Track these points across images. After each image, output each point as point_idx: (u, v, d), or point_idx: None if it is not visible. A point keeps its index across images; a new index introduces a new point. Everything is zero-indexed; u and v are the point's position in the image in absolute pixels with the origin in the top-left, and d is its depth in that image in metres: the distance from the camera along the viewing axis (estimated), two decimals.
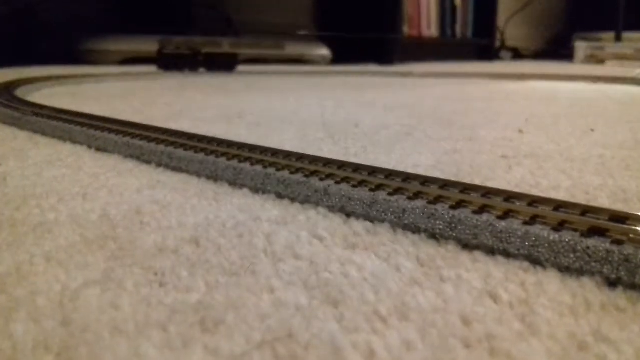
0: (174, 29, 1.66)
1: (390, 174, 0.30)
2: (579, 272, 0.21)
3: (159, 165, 0.38)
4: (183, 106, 0.75)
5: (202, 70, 1.35)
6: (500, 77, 1.35)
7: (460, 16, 2.50)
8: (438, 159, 0.42)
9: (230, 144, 0.38)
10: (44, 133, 0.50)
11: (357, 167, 0.31)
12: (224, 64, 1.39)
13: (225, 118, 0.64)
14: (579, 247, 0.21)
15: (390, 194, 0.27)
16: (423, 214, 0.25)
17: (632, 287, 0.20)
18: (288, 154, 0.35)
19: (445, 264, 0.22)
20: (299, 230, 0.26)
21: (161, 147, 0.39)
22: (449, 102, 0.82)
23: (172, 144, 0.39)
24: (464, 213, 0.24)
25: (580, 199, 0.31)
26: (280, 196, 0.31)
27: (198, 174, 0.36)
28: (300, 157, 0.34)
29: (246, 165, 0.33)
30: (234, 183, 0.33)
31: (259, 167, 0.32)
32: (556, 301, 0.19)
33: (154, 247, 0.24)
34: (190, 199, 0.31)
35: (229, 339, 0.17)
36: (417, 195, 0.27)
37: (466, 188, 0.27)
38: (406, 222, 0.26)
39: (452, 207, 0.25)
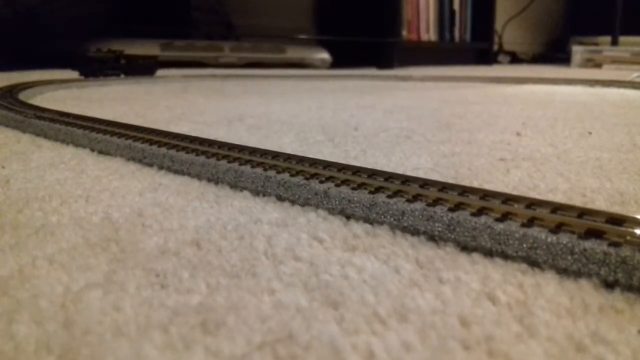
0: (175, 33, 1.67)
1: (389, 176, 0.30)
2: (577, 274, 0.21)
3: (160, 168, 0.39)
4: (184, 109, 0.75)
5: (122, 75, 1.24)
6: (498, 81, 1.36)
7: (458, 20, 2.51)
8: (437, 161, 0.42)
9: (230, 146, 0.38)
10: (46, 136, 0.50)
11: (356, 170, 0.31)
12: (144, 67, 1.28)
13: (226, 121, 0.64)
14: (577, 249, 0.21)
15: (389, 197, 0.27)
16: (422, 216, 0.25)
17: (629, 288, 0.20)
18: (288, 157, 0.35)
19: (444, 266, 0.22)
20: (299, 232, 0.26)
21: (163, 150, 0.39)
22: (448, 106, 0.82)
23: (174, 146, 0.39)
24: (462, 215, 0.24)
25: (578, 201, 0.32)
26: (280, 198, 0.31)
27: (199, 177, 0.36)
28: (301, 159, 0.34)
29: (247, 168, 0.33)
30: (234, 186, 0.34)
31: (259, 170, 0.33)
32: (554, 303, 0.19)
33: (155, 249, 0.24)
34: (192, 201, 0.31)
35: (230, 341, 0.17)
36: (416, 198, 0.27)
37: (465, 190, 0.27)
38: (405, 224, 0.26)
39: (451, 210, 0.25)
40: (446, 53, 2.45)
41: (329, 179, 0.30)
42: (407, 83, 1.37)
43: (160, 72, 1.41)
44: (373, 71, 1.91)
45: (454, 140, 0.52)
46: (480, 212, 0.25)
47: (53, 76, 1.11)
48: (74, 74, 1.18)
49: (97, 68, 1.17)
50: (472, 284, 0.21)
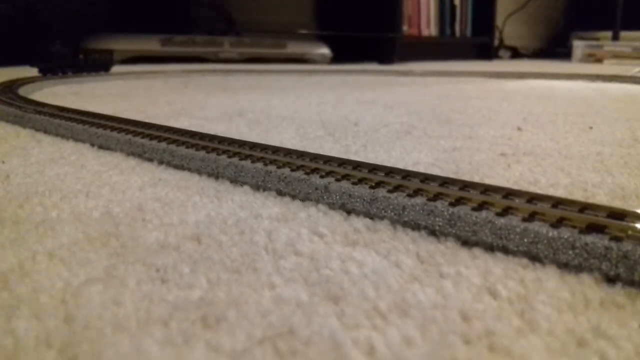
0: (175, 28, 1.66)
1: (390, 171, 0.30)
2: (578, 269, 0.21)
3: (160, 162, 0.38)
4: (184, 104, 0.75)
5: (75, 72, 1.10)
6: (499, 76, 1.35)
7: (459, 15, 2.50)
8: (437, 156, 0.42)
9: (231, 141, 0.38)
10: (46, 131, 0.50)
11: (357, 165, 0.31)
12: (99, 63, 1.15)
13: (226, 116, 0.64)
14: (578, 244, 0.21)
15: (390, 191, 0.27)
16: (423, 210, 0.25)
17: (630, 283, 0.20)
18: (288, 152, 0.35)
19: (445, 261, 0.22)
20: (299, 227, 0.26)
21: (163, 144, 0.39)
22: (448, 101, 0.82)
23: (174, 141, 0.39)
24: (463, 210, 0.24)
25: (579, 196, 0.32)
26: (280, 193, 0.31)
27: (199, 172, 0.36)
28: (301, 154, 0.34)
29: (247, 163, 0.33)
30: (235, 180, 0.34)
31: (259, 165, 0.33)
32: (555, 297, 0.19)
33: (155, 244, 0.24)
34: (192, 196, 0.31)
35: (231, 335, 0.17)
36: (416, 193, 0.27)
37: (465, 185, 0.27)
38: (406, 219, 0.26)
39: (452, 204, 0.25)
40: (447, 48, 2.44)
41: (330, 173, 0.30)
42: (408, 78, 1.37)
43: (160, 67, 1.40)
44: (374, 66, 1.90)
45: (455, 135, 0.52)
46: (481, 206, 0.25)
47: (12, 74, 1.07)
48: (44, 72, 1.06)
49: (56, 65, 1.05)
50: (473, 279, 0.21)
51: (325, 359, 0.16)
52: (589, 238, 0.21)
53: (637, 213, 0.22)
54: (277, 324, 0.17)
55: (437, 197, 0.26)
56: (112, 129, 0.44)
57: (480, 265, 0.22)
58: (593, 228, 0.22)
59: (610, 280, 0.20)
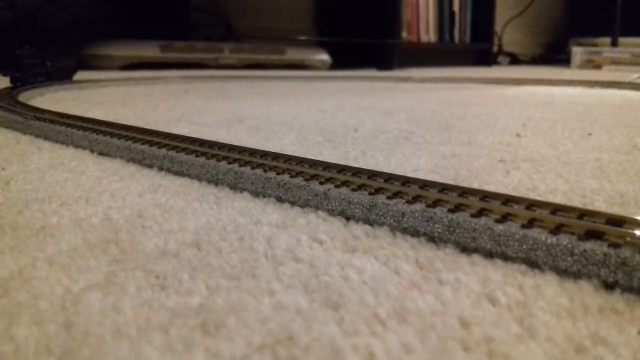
0: (175, 35, 1.67)
1: (389, 177, 0.30)
2: (577, 275, 0.21)
3: (160, 169, 0.39)
4: (184, 111, 0.75)
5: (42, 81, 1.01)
6: (498, 82, 1.36)
7: (458, 21, 2.51)
8: (436, 163, 0.42)
9: (230, 148, 0.38)
10: (46, 137, 0.50)
11: (356, 171, 0.31)
12: (62, 71, 1.09)
13: (226, 122, 0.64)
14: (577, 251, 0.21)
15: (389, 198, 0.27)
16: (422, 217, 0.25)
17: (629, 290, 0.20)
18: (288, 158, 0.35)
19: (444, 267, 0.22)
20: (299, 233, 0.26)
21: (163, 151, 0.39)
22: (447, 107, 0.82)
23: (174, 148, 0.39)
24: (462, 216, 0.24)
25: (578, 202, 0.32)
26: (280, 200, 0.31)
27: (199, 178, 0.36)
28: (300, 161, 0.34)
29: (246, 169, 0.33)
30: (234, 187, 0.34)
31: (259, 171, 0.33)
32: (554, 304, 0.19)
33: (155, 251, 0.24)
34: (192, 202, 0.31)
35: (230, 342, 0.17)
36: (415, 199, 0.27)
37: (464, 192, 0.27)
38: (405, 225, 0.26)
39: (451, 211, 0.25)
40: (446, 54, 2.45)
41: (329, 180, 0.30)
42: (407, 84, 1.37)
43: (160, 73, 1.41)
44: (373, 72, 1.91)
45: (454, 141, 0.52)
46: (480, 213, 0.25)
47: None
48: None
49: (28, 74, 0.97)
50: (472, 285, 0.21)
51: None
52: (588, 245, 0.21)
53: (635, 220, 0.23)
54: (276, 331, 0.17)
55: (436, 203, 0.26)
56: (112, 135, 0.44)
57: (479, 271, 0.22)
58: (592, 235, 0.22)
59: (609, 286, 0.20)
